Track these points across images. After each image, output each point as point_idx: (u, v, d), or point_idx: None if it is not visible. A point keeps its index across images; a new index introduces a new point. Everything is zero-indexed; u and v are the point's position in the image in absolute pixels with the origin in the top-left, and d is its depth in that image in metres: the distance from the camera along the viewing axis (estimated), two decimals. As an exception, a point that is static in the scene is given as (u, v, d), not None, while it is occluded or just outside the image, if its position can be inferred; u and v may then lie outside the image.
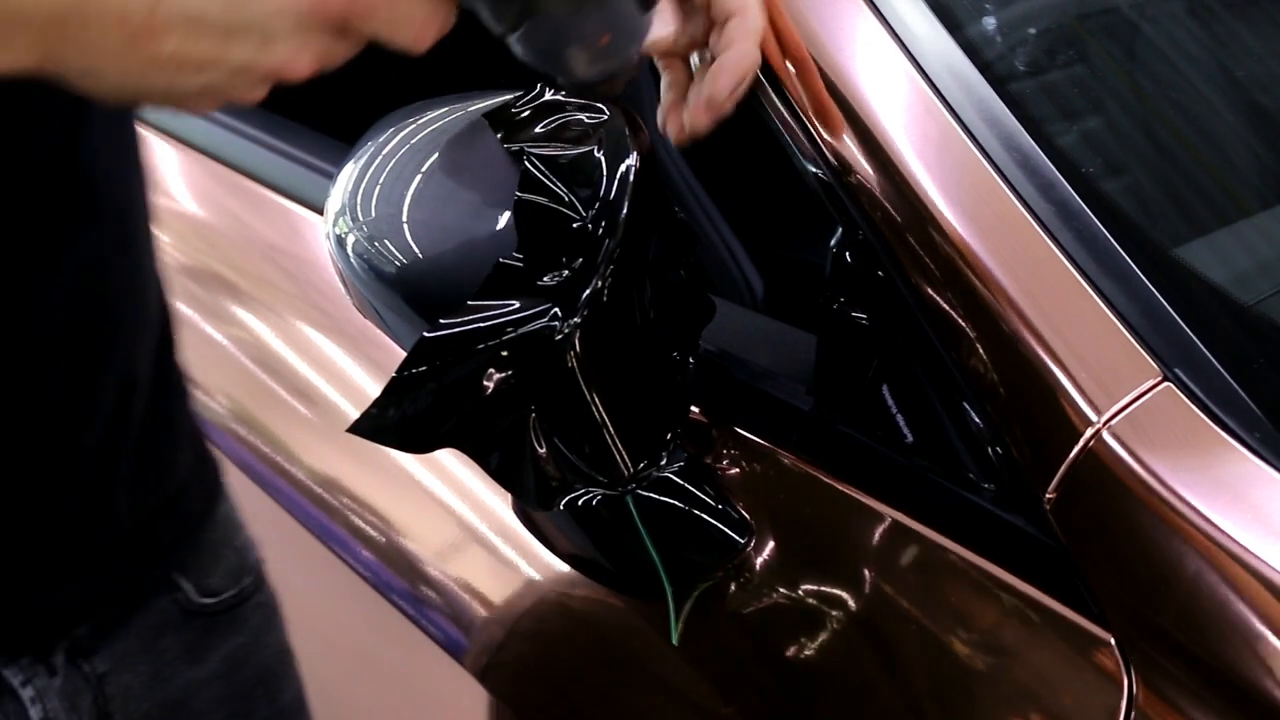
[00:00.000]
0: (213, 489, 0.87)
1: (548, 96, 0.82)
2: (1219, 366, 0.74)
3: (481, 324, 0.75)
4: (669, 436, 0.86)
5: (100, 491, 0.75)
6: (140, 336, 0.77)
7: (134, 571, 0.79)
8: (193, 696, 0.84)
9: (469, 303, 0.74)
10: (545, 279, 0.75)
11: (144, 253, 0.78)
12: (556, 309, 0.76)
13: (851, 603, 0.82)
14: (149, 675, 0.81)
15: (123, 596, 0.79)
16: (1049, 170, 0.81)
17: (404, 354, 0.78)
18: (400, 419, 0.75)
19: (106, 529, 0.77)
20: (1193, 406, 0.73)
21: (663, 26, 0.79)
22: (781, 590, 0.85)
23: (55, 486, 0.73)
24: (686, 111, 0.76)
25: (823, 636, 0.82)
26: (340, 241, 0.83)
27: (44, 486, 0.73)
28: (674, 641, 0.86)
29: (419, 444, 0.77)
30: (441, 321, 0.74)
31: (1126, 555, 0.71)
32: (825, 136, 0.83)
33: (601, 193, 0.76)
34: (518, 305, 0.75)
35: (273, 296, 0.86)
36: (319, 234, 0.95)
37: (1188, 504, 0.69)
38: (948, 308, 0.78)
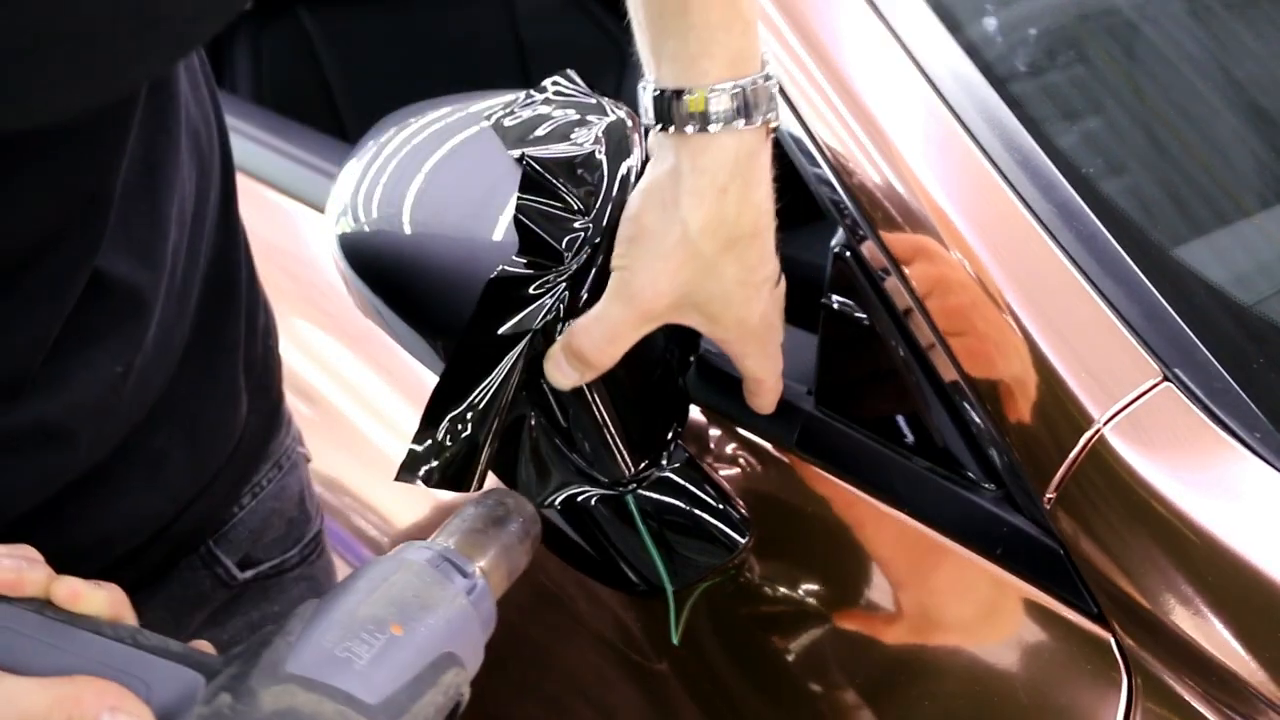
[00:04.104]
0: (267, 451, 0.84)
1: (549, 96, 0.82)
2: (1219, 366, 0.75)
3: (493, 334, 0.74)
4: (669, 436, 0.87)
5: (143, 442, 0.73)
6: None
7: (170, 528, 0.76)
8: None
9: (471, 309, 0.74)
10: (547, 279, 0.75)
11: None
12: (559, 309, 0.76)
13: (851, 603, 0.82)
14: None
15: (156, 563, 0.77)
16: (1049, 170, 0.81)
17: (405, 353, 0.78)
18: (442, 456, 0.75)
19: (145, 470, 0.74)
20: (1193, 406, 0.73)
21: None
22: (782, 590, 0.85)
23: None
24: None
25: (823, 636, 0.83)
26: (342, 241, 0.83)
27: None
28: (674, 641, 0.86)
29: (464, 481, 0.77)
30: (457, 345, 0.74)
31: (1126, 555, 0.71)
32: (826, 137, 0.83)
33: (603, 192, 0.76)
34: (519, 307, 0.75)
35: (274, 296, 0.87)
36: (321, 233, 0.95)
37: (1188, 504, 0.69)
38: (948, 307, 0.78)
